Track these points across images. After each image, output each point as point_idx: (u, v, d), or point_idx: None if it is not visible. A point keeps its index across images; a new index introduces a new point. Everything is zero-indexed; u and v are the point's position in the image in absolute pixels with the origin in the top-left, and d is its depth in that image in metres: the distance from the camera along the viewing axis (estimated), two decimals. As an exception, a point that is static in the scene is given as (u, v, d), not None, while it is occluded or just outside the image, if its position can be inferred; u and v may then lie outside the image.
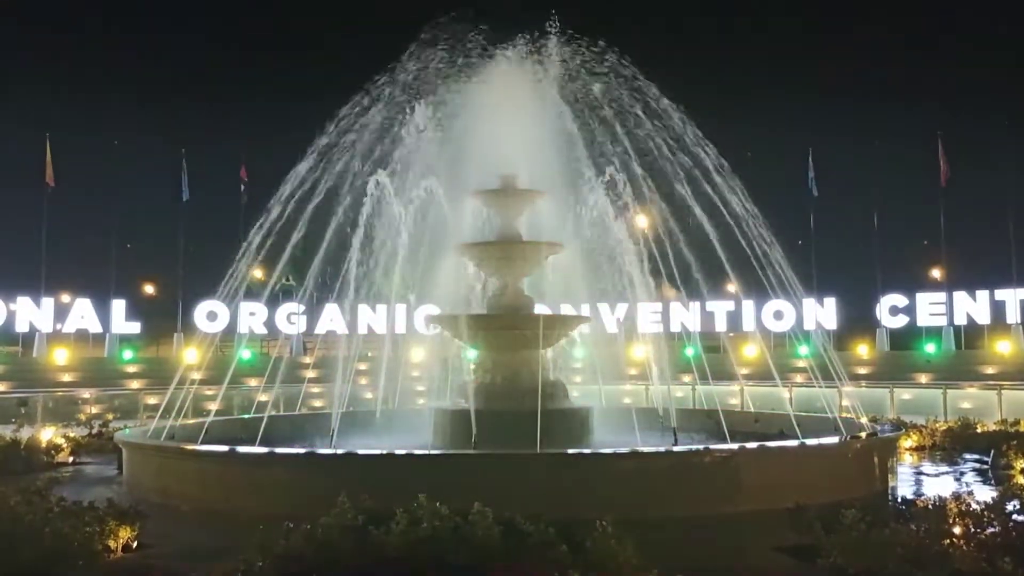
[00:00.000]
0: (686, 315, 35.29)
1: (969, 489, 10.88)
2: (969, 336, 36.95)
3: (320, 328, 35.60)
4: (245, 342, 34.68)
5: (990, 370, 32.36)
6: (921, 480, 15.51)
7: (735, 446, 13.15)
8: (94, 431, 20.83)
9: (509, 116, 17.04)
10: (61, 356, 34.71)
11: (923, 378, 31.99)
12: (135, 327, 37.11)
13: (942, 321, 35.93)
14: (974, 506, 8.53)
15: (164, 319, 40.78)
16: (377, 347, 30.83)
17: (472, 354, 18.80)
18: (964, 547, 7.87)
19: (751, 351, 34.96)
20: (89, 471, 16.97)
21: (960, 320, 35.63)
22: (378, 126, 18.22)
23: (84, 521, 9.17)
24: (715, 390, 24.99)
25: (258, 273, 27.21)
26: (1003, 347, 34.21)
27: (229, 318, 34.23)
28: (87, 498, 10.53)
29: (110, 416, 26.65)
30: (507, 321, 16.91)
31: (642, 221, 18.66)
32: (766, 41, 66.69)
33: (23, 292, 34.54)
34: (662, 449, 13.86)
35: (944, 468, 16.74)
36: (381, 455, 13.28)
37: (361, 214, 17.00)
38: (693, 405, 25.60)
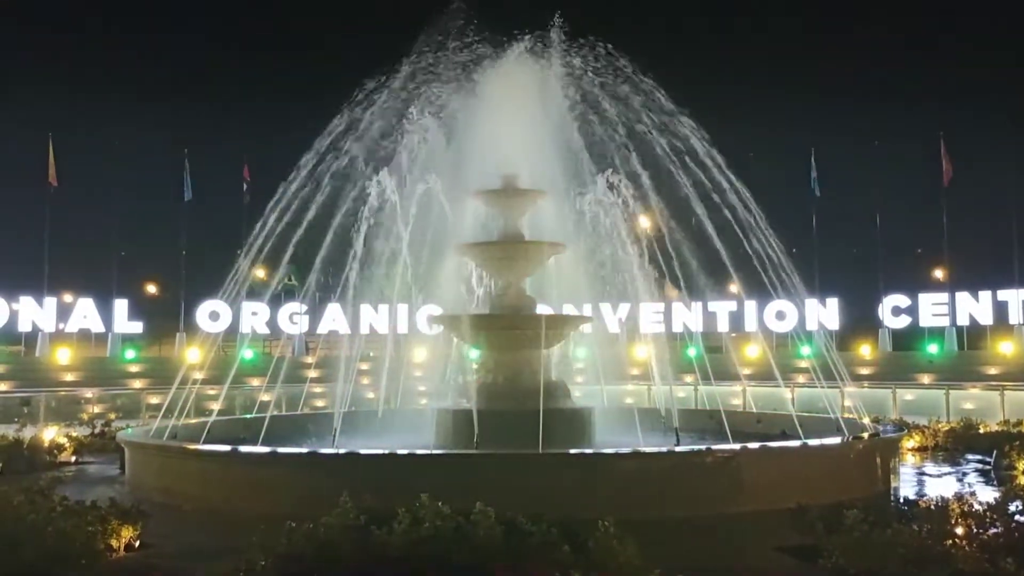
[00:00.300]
0: (688, 315, 35.28)
1: (971, 490, 10.91)
2: (971, 337, 36.90)
3: (322, 328, 35.60)
4: (247, 342, 34.69)
5: (992, 371, 32.31)
6: (923, 481, 15.49)
7: (737, 446, 13.14)
8: (96, 431, 20.86)
9: (510, 116, 17.05)
10: (64, 356, 34.75)
11: (925, 379, 31.95)
12: (137, 327, 37.15)
13: (944, 322, 35.88)
14: (976, 507, 8.52)
15: (166, 319, 40.82)
16: (379, 347, 30.83)
17: (474, 354, 18.82)
18: (966, 548, 7.86)
19: (753, 351, 34.93)
20: (92, 471, 16.99)
21: (962, 321, 35.57)
22: (379, 126, 18.24)
23: (87, 520, 9.18)
24: (717, 390, 25.05)
25: (260, 273, 27.24)
26: (1006, 348, 34.15)
27: (231, 318, 34.29)
28: (90, 497, 10.55)
29: (112, 416, 26.69)
30: (509, 321, 16.91)
31: (644, 221, 18.66)
32: (767, 41, 66.67)
33: (26, 292, 34.59)
34: (664, 449, 13.86)
35: (946, 469, 16.72)
36: (383, 455, 13.29)
37: (363, 214, 17.01)
38: (695, 405, 25.61)
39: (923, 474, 16.29)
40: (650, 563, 7.57)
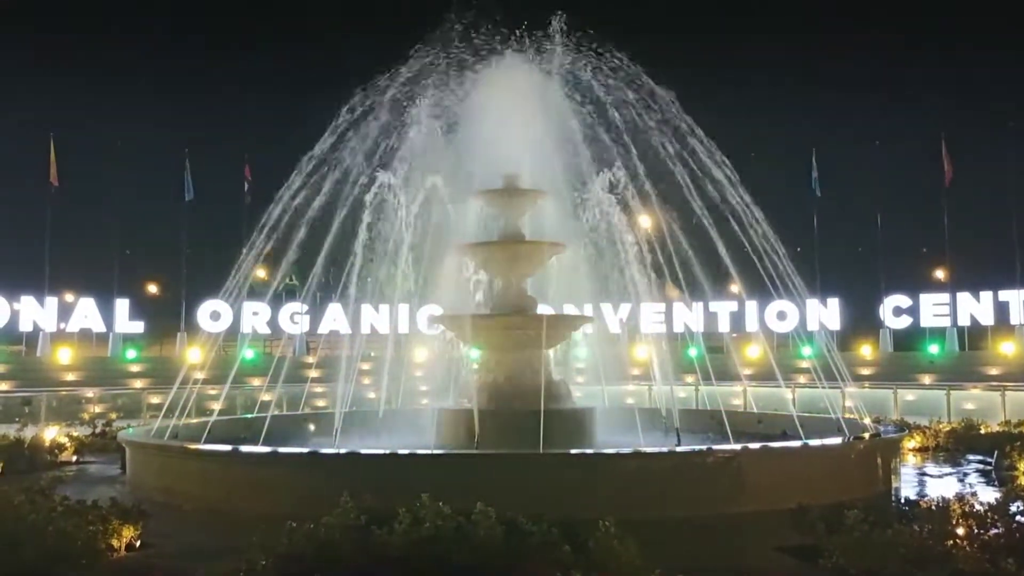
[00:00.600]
0: (689, 315, 35.28)
1: (972, 490, 10.91)
2: (973, 337, 36.89)
3: (323, 328, 35.63)
4: (248, 342, 34.70)
5: (994, 371, 32.30)
6: (924, 481, 15.49)
7: (738, 446, 13.14)
8: (97, 430, 20.90)
9: (511, 116, 17.05)
10: (65, 355, 34.78)
11: (926, 379, 31.94)
12: (139, 326, 37.17)
13: (946, 322, 35.87)
14: (977, 507, 8.51)
15: (168, 318, 40.83)
16: (380, 347, 30.80)
17: (475, 354, 18.82)
18: (967, 548, 7.86)
19: (754, 352, 34.95)
20: (92, 470, 17.00)
21: (964, 321, 35.57)
22: (381, 126, 18.24)
23: (87, 520, 9.19)
24: (718, 391, 25.07)
25: (261, 273, 27.25)
26: (1007, 348, 34.14)
27: (232, 318, 34.31)
28: (90, 497, 10.55)
29: (113, 415, 26.74)
30: (510, 321, 16.91)
31: (645, 221, 18.65)
32: (768, 41, 66.60)
33: (27, 291, 34.61)
34: (665, 449, 13.87)
35: (947, 469, 16.72)
36: (384, 455, 13.29)
37: (364, 214, 17.02)
38: (696, 405, 25.62)
39: (924, 474, 16.29)
40: (651, 563, 7.57)
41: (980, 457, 17.45)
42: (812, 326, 33.63)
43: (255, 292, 31.09)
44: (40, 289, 35.31)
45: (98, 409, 28.07)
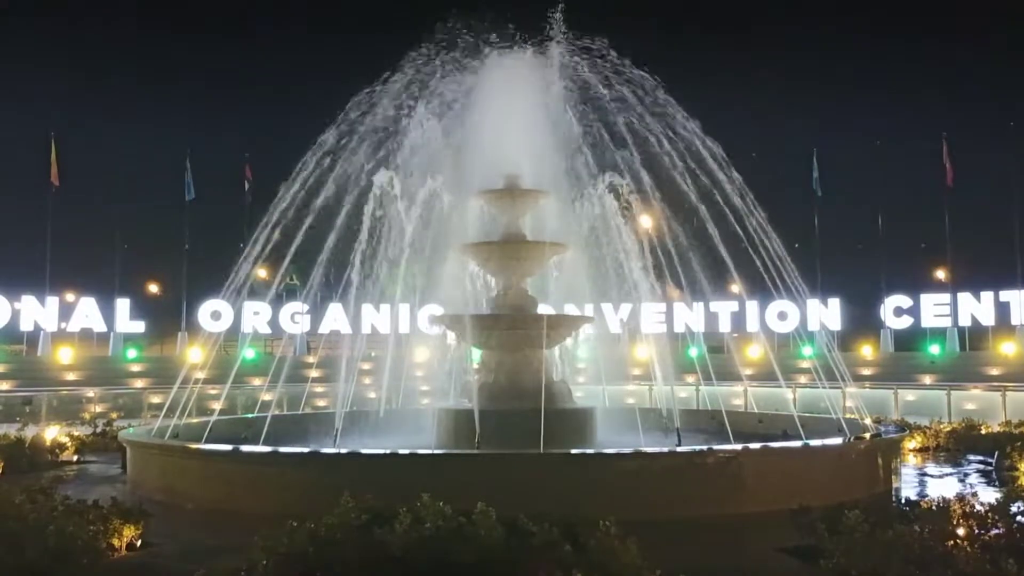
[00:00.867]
0: (690, 315, 35.29)
1: (973, 490, 10.89)
2: (973, 337, 36.89)
3: (324, 328, 35.65)
4: (249, 341, 34.71)
5: (994, 371, 32.30)
6: (925, 481, 15.49)
7: (738, 447, 13.13)
8: (98, 430, 20.91)
9: (512, 115, 17.05)
10: (66, 355, 34.80)
11: (927, 379, 31.94)
12: (139, 326, 37.21)
13: (946, 322, 35.87)
14: (978, 507, 8.50)
15: (168, 318, 40.88)
16: (381, 347, 30.82)
17: (476, 354, 18.82)
18: (968, 549, 7.85)
19: (755, 352, 34.97)
20: (93, 470, 17.01)
21: (964, 321, 35.57)
22: (382, 126, 18.25)
23: (88, 520, 9.20)
24: (719, 391, 25.06)
25: (262, 272, 27.25)
26: (1007, 348, 34.14)
27: (233, 317, 34.35)
28: (91, 497, 10.57)
29: (114, 415, 26.77)
30: (511, 321, 16.91)
31: (646, 221, 18.66)
32: (768, 41, 66.60)
33: (28, 291, 34.65)
34: (665, 450, 13.85)
35: (948, 469, 16.72)
36: (384, 455, 13.29)
37: (365, 213, 17.02)
38: (697, 406, 25.64)
39: (924, 475, 16.29)
40: (651, 563, 7.57)
41: (981, 457, 17.44)
42: (813, 326, 33.65)
43: (256, 292, 31.11)
44: (41, 289, 35.36)
45: (99, 409, 28.10)
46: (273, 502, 11.28)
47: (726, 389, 26.75)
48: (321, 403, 26.55)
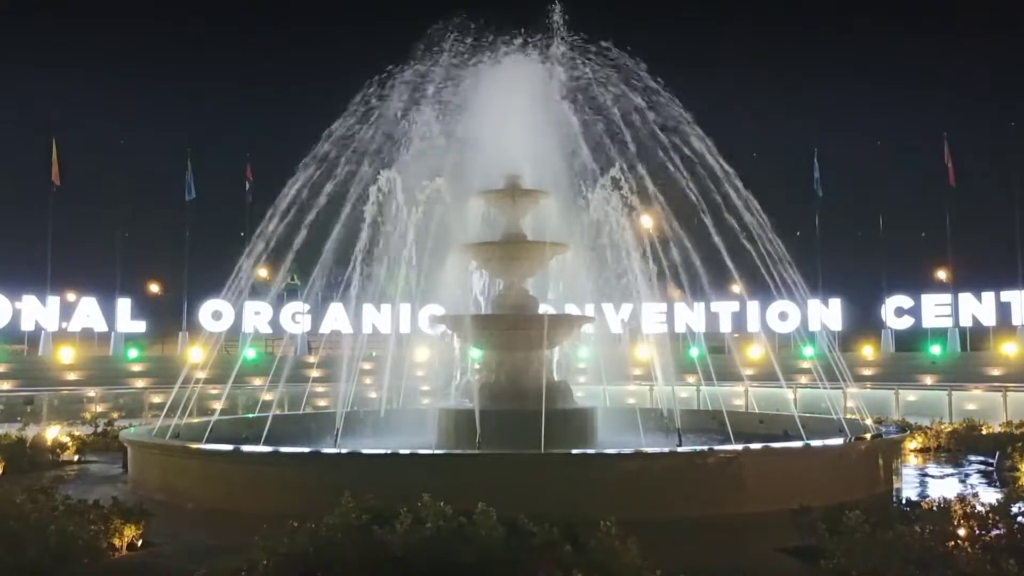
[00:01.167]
0: (690, 315, 35.26)
1: (974, 491, 10.88)
2: (974, 338, 36.84)
3: (325, 327, 35.63)
4: (250, 341, 34.70)
5: (995, 372, 32.27)
6: (926, 482, 15.49)
7: (739, 447, 13.13)
8: (99, 430, 20.91)
9: (513, 115, 17.05)
10: (66, 355, 34.81)
11: (928, 380, 31.91)
12: (140, 326, 37.20)
13: (947, 323, 35.84)
14: (979, 508, 8.50)
15: (169, 318, 40.85)
16: (381, 347, 30.84)
17: (476, 354, 18.82)
18: (968, 549, 7.84)
19: (756, 352, 34.95)
20: (94, 469, 17.02)
21: (965, 322, 35.53)
22: (383, 126, 18.25)
23: (89, 519, 9.21)
24: (719, 391, 25.02)
25: (263, 272, 27.27)
26: (1008, 349, 34.10)
27: (234, 317, 34.36)
28: (92, 496, 10.58)
29: (115, 415, 26.78)
30: (511, 321, 16.92)
31: (647, 221, 18.65)
32: (769, 41, 66.61)
33: (29, 291, 34.65)
34: (666, 450, 13.86)
35: (949, 470, 16.71)
36: (385, 455, 13.30)
37: (366, 213, 17.02)
38: (697, 406, 25.63)
39: (925, 475, 16.28)
40: (652, 563, 7.57)
41: (981, 458, 17.43)
42: (814, 326, 33.63)
43: (257, 292, 31.13)
44: (42, 288, 35.37)
45: (100, 408, 28.11)
46: (274, 502, 11.29)
47: (727, 389, 26.72)
48: (322, 403, 26.54)
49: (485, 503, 8.07)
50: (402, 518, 7.88)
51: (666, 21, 67.85)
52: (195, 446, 13.98)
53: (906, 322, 36.60)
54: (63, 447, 18.15)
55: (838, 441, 14.64)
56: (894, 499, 12.48)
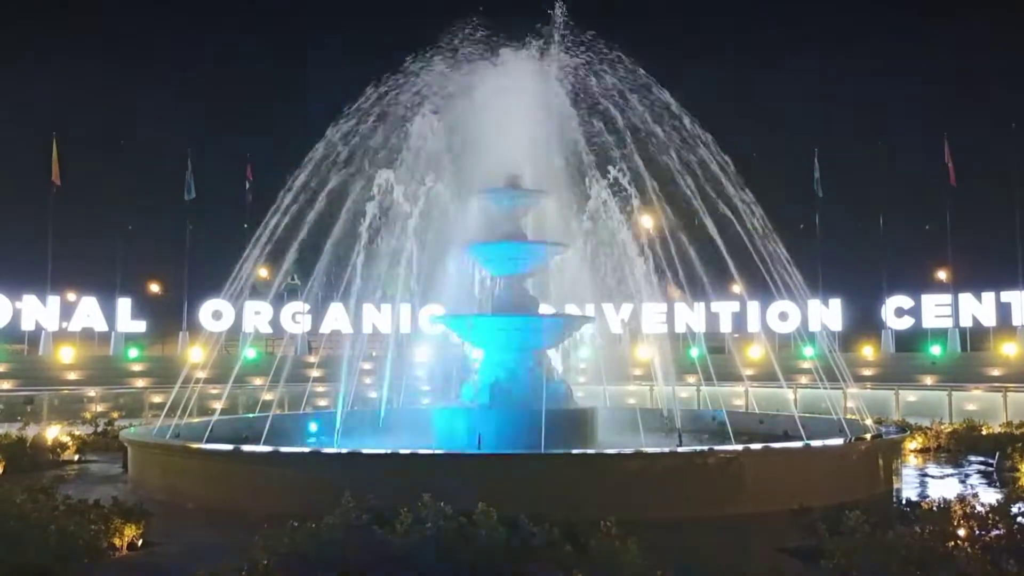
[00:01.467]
0: (691, 316, 35.25)
1: (974, 491, 10.90)
2: (975, 338, 36.81)
3: (325, 327, 35.61)
4: (250, 341, 34.70)
5: (995, 372, 32.25)
6: (926, 482, 15.49)
7: (739, 447, 13.15)
8: (99, 429, 20.92)
9: (513, 115, 17.06)
10: (67, 354, 34.80)
11: (928, 380, 31.88)
12: (141, 326, 37.17)
13: (947, 323, 35.82)
14: (979, 508, 8.51)
15: (169, 318, 40.83)
16: (382, 346, 30.85)
17: (476, 354, 18.82)
18: (969, 550, 7.85)
19: (756, 352, 34.94)
20: (94, 469, 17.03)
21: (966, 322, 35.51)
22: (383, 126, 18.26)
23: (89, 519, 9.22)
24: (720, 391, 25.05)
25: (263, 272, 27.27)
26: (1009, 349, 34.09)
27: (234, 317, 34.34)
28: (92, 496, 10.59)
29: (115, 414, 26.77)
30: (511, 321, 16.92)
31: (647, 221, 18.66)
32: (770, 41, 66.64)
33: (29, 290, 34.62)
34: (666, 450, 13.87)
35: (949, 470, 16.71)
36: (385, 454, 13.30)
37: (366, 213, 17.03)
38: (698, 406, 25.63)
39: (925, 475, 16.29)
40: (652, 564, 7.58)
41: (982, 458, 17.43)
42: (814, 327, 33.60)
43: (257, 291, 31.10)
44: (42, 288, 35.35)
45: (100, 408, 28.10)
46: (274, 502, 11.29)
47: (727, 389, 26.74)
48: (322, 403, 26.55)
49: (485, 503, 8.08)
50: (402, 518, 7.89)
51: (666, 21, 67.90)
52: (195, 446, 13.99)
53: (906, 322, 36.58)
54: (63, 447, 18.16)
55: (838, 441, 14.65)
56: (894, 499, 12.48)
